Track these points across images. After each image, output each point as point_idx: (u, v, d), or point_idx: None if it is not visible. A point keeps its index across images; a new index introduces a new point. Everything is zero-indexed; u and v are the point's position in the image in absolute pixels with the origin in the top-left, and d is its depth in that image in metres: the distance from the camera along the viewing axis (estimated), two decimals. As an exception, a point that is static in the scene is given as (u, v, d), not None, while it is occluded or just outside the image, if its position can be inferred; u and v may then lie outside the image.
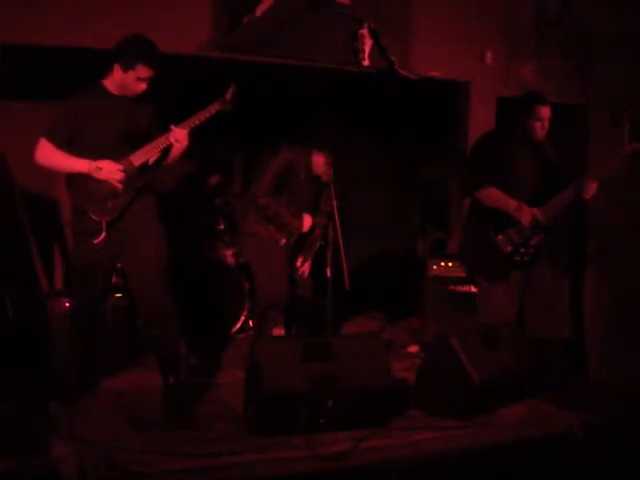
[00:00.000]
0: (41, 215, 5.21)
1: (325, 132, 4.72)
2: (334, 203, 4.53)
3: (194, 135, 3.71)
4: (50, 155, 3.60)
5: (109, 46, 3.67)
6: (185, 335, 3.83)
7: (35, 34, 4.17)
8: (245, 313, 5.64)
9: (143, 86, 3.62)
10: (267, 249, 4.65)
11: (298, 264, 4.84)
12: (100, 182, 3.58)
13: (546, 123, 4.24)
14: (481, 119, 5.36)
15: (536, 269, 4.32)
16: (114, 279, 4.86)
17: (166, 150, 3.70)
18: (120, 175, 3.58)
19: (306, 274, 4.86)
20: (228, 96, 3.76)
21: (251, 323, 5.65)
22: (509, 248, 4.23)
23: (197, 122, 3.69)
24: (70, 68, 4.27)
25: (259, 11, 4.62)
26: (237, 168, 6.50)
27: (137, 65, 3.54)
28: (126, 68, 3.56)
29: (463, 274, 5.29)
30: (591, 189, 4.15)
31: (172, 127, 3.63)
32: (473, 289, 5.11)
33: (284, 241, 4.66)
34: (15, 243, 4.78)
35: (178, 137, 3.62)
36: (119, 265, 4.05)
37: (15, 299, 4.29)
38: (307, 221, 4.68)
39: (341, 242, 4.47)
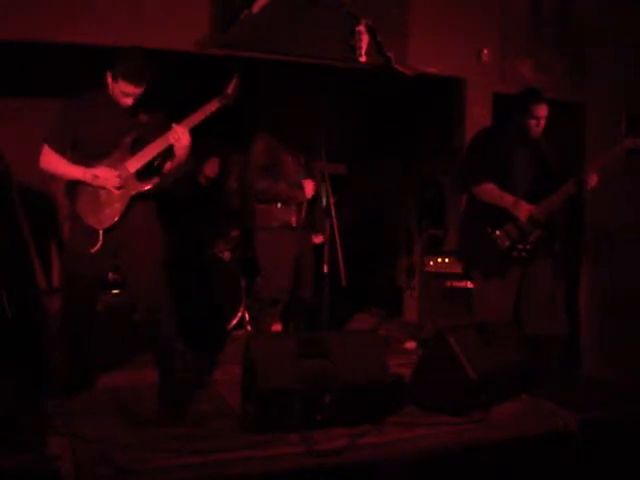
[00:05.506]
0: (38, 211, 5.21)
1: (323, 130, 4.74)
2: (331, 200, 4.56)
3: (192, 132, 3.68)
4: (51, 162, 3.61)
5: (106, 43, 3.66)
6: (182, 332, 3.82)
7: (32, 31, 4.15)
8: (242, 309, 5.65)
9: (129, 101, 3.56)
10: (277, 245, 4.69)
11: (318, 242, 4.89)
12: (97, 190, 3.58)
13: (542, 122, 4.22)
14: (478, 116, 5.36)
15: (533, 266, 4.32)
16: (112, 275, 4.88)
17: (166, 153, 3.66)
18: (117, 181, 3.57)
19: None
20: (229, 90, 3.67)
21: (247, 318, 5.66)
22: (506, 244, 4.23)
23: (196, 121, 3.62)
24: (73, 65, 4.27)
25: (256, 7, 4.61)
26: (235, 165, 6.50)
27: (120, 79, 3.50)
28: (113, 79, 3.53)
29: (459, 270, 5.31)
30: (592, 180, 4.15)
31: (174, 125, 3.58)
32: (469, 284, 5.12)
33: (294, 219, 4.68)
34: (12, 239, 4.77)
35: (178, 136, 3.57)
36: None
37: (12, 296, 4.29)
38: (309, 186, 4.71)
39: (338, 238, 4.49)
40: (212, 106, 3.65)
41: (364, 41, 4.88)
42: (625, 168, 4.58)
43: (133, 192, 3.63)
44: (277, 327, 4.99)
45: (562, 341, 4.54)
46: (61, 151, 3.61)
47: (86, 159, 3.60)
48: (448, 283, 5.46)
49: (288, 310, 4.98)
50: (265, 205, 4.69)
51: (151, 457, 3.04)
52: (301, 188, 4.68)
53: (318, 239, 4.95)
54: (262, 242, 4.83)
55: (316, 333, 4.12)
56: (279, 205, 4.66)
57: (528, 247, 4.25)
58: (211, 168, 6.10)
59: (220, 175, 6.20)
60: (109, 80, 3.55)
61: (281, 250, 4.69)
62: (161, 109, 3.74)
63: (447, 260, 5.48)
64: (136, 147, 3.63)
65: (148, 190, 3.66)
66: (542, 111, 4.20)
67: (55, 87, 3.84)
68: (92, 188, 3.59)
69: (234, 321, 5.62)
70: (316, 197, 4.79)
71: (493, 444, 3.46)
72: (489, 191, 4.27)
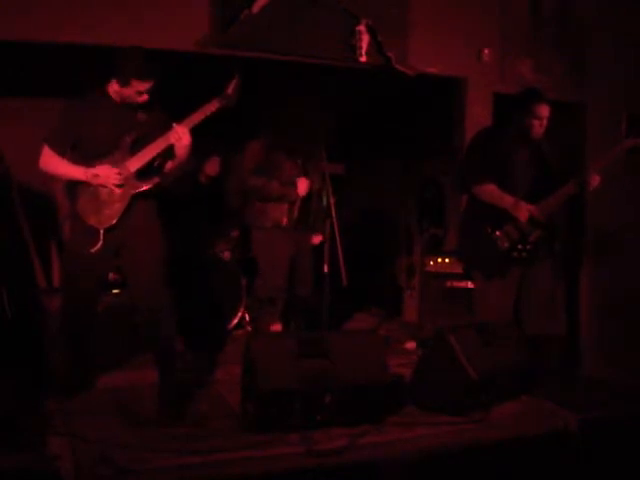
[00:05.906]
0: (38, 211, 5.21)
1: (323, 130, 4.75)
2: (331, 200, 4.56)
3: (193, 132, 3.68)
4: (50, 162, 3.61)
5: (106, 43, 3.64)
6: (182, 331, 3.83)
7: (32, 31, 4.16)
8: (242, 309, 5.65)
9: (144, 98, 3.59)
10: (271, 244, 4.71)
11: (317, 242, 4.91)
12: (97, 189, 3.59)
13: (544, 122, 4.23)
14: (478, 116, 5.37)
15: (533, 266, 4.32)
16: (112, 275, 4.88)
17: (166, 153, 3.67)
18: (117, 178, 3.56)
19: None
20: (230, 90, 3.67)
21: (247, 318, 5.66)
22: (506, 244, 4.23)
23: (197, 120, 3.62)
24: (73, 65, 4.26)
25: (256, 7, 4.62)
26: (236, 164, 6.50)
27: (132, 81, 3.51)
28: (122, 84, 3.54)
29: (459, 270, 5.31)
30: (594, 181, 4.15)
31: (174, 125, 3.59)
32: (470, 285, 5.12)
33: (286, 219, 4.71)
34: (12, 239, 4.77)
35: (179, 136, 3.57)
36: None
37: (12, 296, 4.29)
38: (302, 184, 4.72)
39: (338, 238, 4.49)
40: (212, 106, 3.64)
41: (364, 41, 4.88)
42: (625, 168, 4.58)
43: (133, 191, 3.62)
44: (277, 327, 4.99)
45: (562, 341, 4.53)
46: (61, 152, 3.61)
47: (86, 159, 3.60)
48: (448, 283, 5.46)
49: (288, 310, 4.99)
50: (261, 204, 4.74)
51: (151, 457, 3.04)
52: (294, 186, 4.70)
53: (317, 239, 4.96)
54: (258, 241, 4.86)
55: (316, 333, 4.12)
56: (270, 205, 4.70)
57: (528, 247, 4.25)
58: (212, 167, 6.10)
59: (221, 174, 6.20)
60: (117, 87, 3.56)
61: (275, 249, 4.73)
62: (161, 109, 3.74)
63: (447, 260, 5.48)
64: (136, 147, 3.63)
65: (148, 189, 3.66)
66: (545, 111, 4.20)
67: (55, 87, 3.84)
68: (92, 188, 3.59)
69: (234, 321, 5.61)
70: (311, 195, 4.80)
71: (493, 444, 3.46)
72: (489, 191, 4.27)
